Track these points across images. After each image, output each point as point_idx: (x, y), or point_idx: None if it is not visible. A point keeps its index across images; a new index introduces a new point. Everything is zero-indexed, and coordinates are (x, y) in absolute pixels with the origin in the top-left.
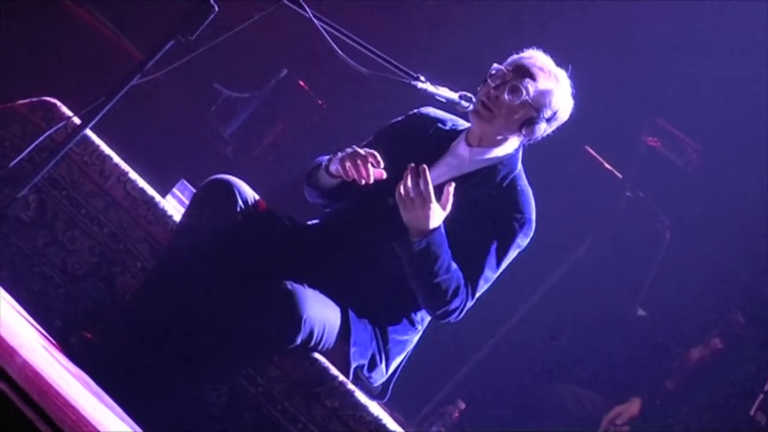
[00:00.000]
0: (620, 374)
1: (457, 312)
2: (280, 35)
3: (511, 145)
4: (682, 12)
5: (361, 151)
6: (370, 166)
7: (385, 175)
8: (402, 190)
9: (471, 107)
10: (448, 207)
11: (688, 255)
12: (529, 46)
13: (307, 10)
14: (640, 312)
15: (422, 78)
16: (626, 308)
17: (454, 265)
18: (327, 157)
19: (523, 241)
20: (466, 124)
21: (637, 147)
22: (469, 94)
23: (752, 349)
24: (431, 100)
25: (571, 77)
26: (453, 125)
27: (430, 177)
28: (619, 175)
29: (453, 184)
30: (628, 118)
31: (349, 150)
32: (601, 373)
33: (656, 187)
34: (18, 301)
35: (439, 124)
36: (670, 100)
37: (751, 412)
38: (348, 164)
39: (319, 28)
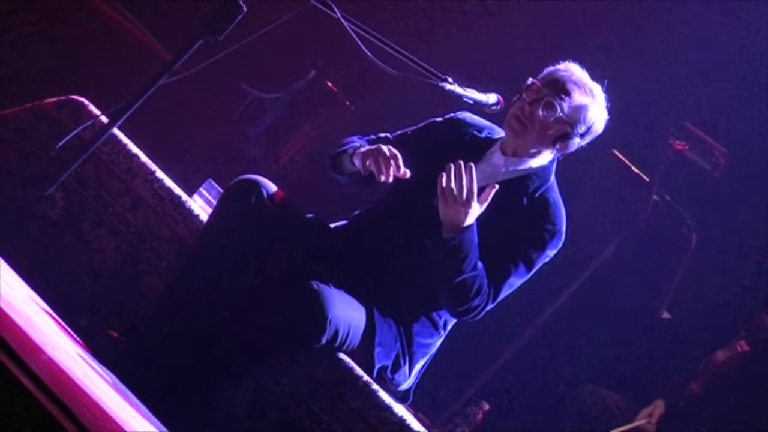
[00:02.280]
0: (645, 376)
1: (477, 311)
2: (308, 36)
3: (546, 157)
4: (709, 16)
5: (385, 150)
6: (391, 167)
7: (408, 175)
8: (445, 184)
9: (499, 108)
10: (484, 206)
11: (713, 258)
12: (557, 50)
13: (336, 11)
14: (666, 315)
15: (450, 79)
16: (652, 311)
17: (480, 265)
18: (354, 140)
19: (551, 251)
20: (502, 133)
21: (664, 151)
22: (496, 96)
23: None
24: (459, 101)
25: (606, 89)
26: (489, 133)
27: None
28: (646, 179)
29: (497, 186)
30: (655, 121)
31: (373, 147)
32: (626, 376)
33: (683, 191)
34: (44, 299)
35: (475, 132)
36: (697, 104)
37: None
38: (369, 161)
39: (348, 29)
